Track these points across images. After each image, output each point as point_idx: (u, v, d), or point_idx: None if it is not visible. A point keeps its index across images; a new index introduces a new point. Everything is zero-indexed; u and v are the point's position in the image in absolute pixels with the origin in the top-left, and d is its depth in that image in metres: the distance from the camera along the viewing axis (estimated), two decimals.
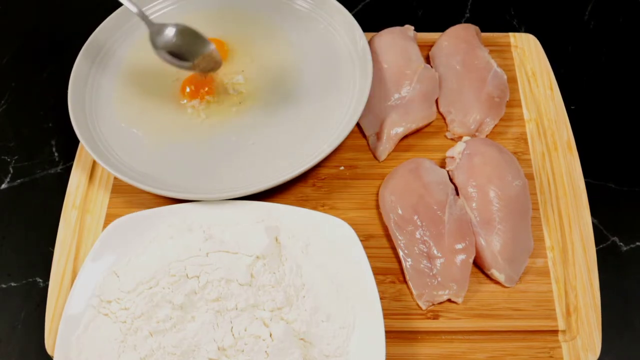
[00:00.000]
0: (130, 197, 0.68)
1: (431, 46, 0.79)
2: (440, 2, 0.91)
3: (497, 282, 0.62)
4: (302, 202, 0.67)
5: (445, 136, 0.72)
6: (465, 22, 0.87)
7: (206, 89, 0.72)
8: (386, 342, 0.54)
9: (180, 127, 0.71)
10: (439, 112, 0.74)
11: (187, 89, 0.72)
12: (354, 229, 0.60)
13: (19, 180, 0.74)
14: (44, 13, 0.92)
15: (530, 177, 0.68)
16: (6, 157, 0.76)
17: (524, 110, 0.74)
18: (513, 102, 0.74)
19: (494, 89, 0.72)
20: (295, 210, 0.62)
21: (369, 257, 0.58)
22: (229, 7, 0.80)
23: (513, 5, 0.91)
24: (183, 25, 0.69)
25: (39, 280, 0.66)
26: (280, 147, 0.68)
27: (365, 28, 0.74)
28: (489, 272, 0.62)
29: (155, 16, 0.79)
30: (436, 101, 0.74)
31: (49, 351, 0.59)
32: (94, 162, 0.70)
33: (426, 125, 0.72)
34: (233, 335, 0.54)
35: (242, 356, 0.54)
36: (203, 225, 0.61)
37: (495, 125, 0.72)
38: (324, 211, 0.65)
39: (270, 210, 0.62)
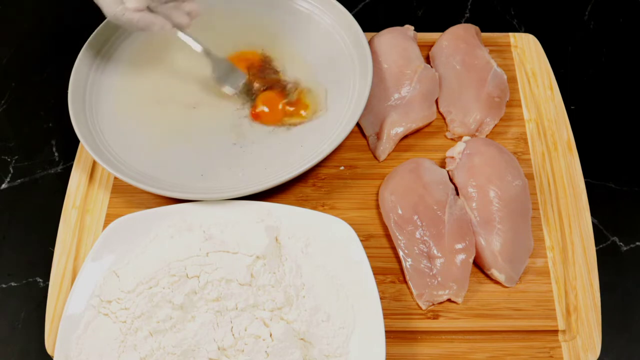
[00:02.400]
0: (130, 197, 0.68)
1: (431, 46, 0.79)
2: (440, 2, 0.91)
3: (497, 282, 0.62)
4: (302, 202, 0.67)
5: (445, 136, 0.72)
6: (465, 22, 0.87)
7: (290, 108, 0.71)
8: (386, 342, 0.54)
9: (181, 127, 0.70)
10: (439, 112, 0.74)
11: (262, 109, 0.71)
12: (354, 229, 0.60)
13: (19, 180, 0.74)
14: (44, 13, 0.92)
15: (530, 177, 0.68)
16: (6, 157, 0.76)
17: (524, 110, 0.74)
18: (513, 102, 0.74)
19: (494, 89, 0.72)
20: (295, 210, 0.62)
21: (369, 257, 0.58)
22: (228, 7, 0.80)
23: (513, 5, 0.91)
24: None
25: (39, 280, 0.66)
26: (280, 147, 0.68)
27: (365, 28, 0.74)
28: (489, 272, 0.62)
29: None
30: (436, 101, 0.74)
31: (49, 351, 0.59)
32: (94, 162, 0.70)
33: (426, 125, 0.72)
34: (233, 335, 0.54)
35: (242, 356, 0.54)
36: (203, 225, 0.61)
37: (495, 125, 0.72)
38: (324, 211, 0.65)
39: (270, 210, 0.62)
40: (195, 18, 0.68)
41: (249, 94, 0.72)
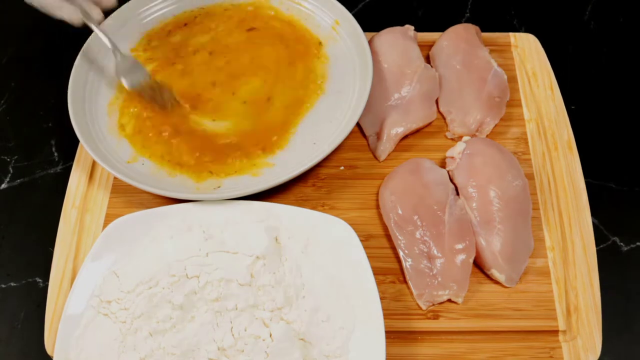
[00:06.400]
0: (130, 197, 0.68)
1: (431, 46, 0.79)
2: (440, 2, 0.91)
3: (497, 282, 0.62)
4: (302, 202, 0.67)
5: (445, 136, 0.72)
6: (465, 22, 0.87)
7: None
8: (386, 342, 0.54)
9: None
10: (439, 112, 0.74)
11: None
12: (354, 229, 0.60)
13: (18, 180, 0.74)
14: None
15: (530, 177, 0.68)
16: (6, 157, 0.76)
17: (524, 110, 0.74)
18: (513, 102, 0.74)
19: (494, 89, 0.72)
20: (295, 210, 0.62)
21: (369, 257, 0.58)
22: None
23: (513, 5, 0.91)
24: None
25: (38, 280, 0.66)
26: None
27: (365, 28, 0.74)
28: (489, 272, 0.62)
29: (154, 16, 0.79)
30: (436, 101, 0.74)
31: (48, 351, 0.59)
32: (94, 162, 0.70)
33: (426, 125, 0.72)
34: (233, 335, 0.54)
35: (242, 356, 0.54)
36: (203, 225, 0.61)
37: (496, 125, 0.72)
38: (324, 211, 0.65)
39: (270, 210, 0.62)
40: (107, 8, 0.70)
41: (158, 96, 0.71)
